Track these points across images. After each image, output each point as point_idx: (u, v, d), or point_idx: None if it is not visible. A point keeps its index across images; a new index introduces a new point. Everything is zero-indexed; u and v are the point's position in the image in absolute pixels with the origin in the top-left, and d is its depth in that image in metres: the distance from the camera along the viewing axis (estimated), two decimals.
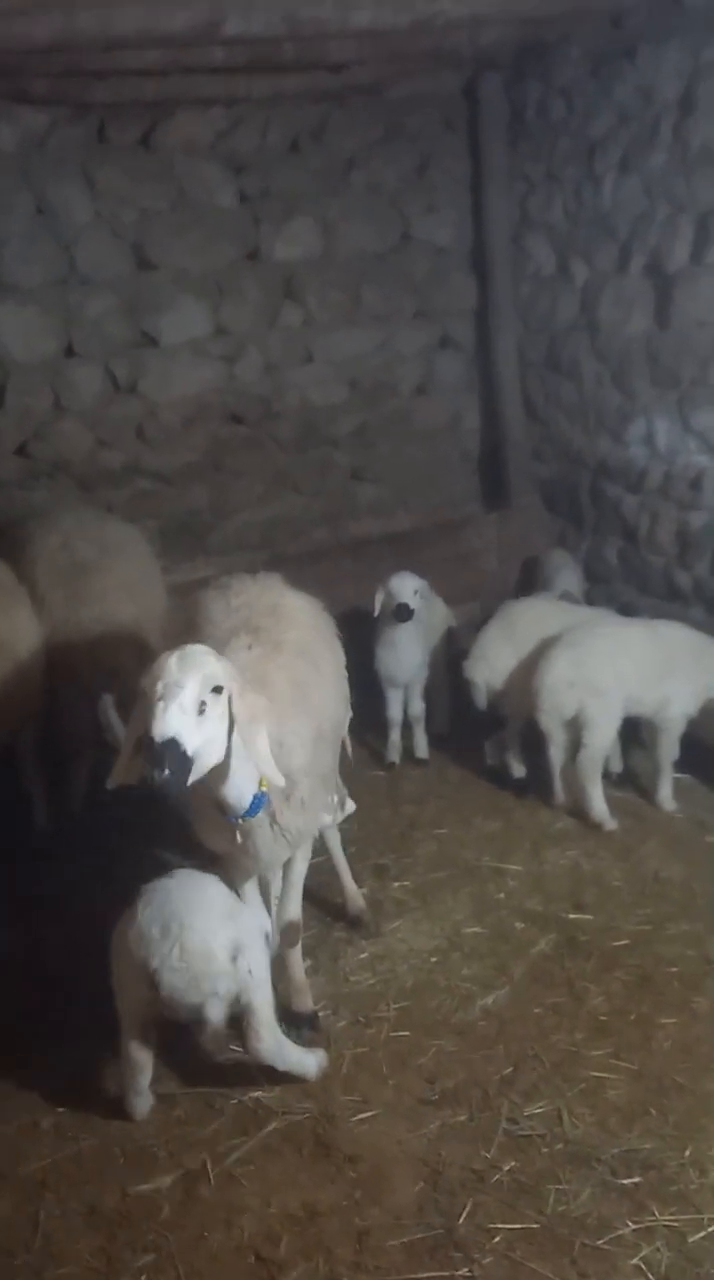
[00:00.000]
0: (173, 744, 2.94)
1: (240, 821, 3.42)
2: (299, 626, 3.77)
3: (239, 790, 3.31)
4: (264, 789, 3.36)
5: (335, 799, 4.23)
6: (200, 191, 6.58)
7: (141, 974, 3.35)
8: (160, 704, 2.99)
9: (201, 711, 3.04)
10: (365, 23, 5.10)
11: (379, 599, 5.79)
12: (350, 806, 4.57)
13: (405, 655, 5.92)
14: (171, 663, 3.07)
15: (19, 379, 6.30)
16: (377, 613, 5.81)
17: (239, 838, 3.50)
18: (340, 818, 4.51)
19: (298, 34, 5.16)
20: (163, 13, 4.70)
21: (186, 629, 3.81)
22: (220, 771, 3.21)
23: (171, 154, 6.47)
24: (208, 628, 3.70)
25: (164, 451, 6.80)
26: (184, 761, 2.97)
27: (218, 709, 3.09)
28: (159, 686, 3.02)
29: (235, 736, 3.18)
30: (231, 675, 3.16)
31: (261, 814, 3.45)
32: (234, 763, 3.22)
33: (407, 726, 6.12)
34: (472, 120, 7.17)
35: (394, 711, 6.06)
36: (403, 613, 5.70)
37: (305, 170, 6.84)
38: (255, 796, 3.35)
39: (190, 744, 2.98)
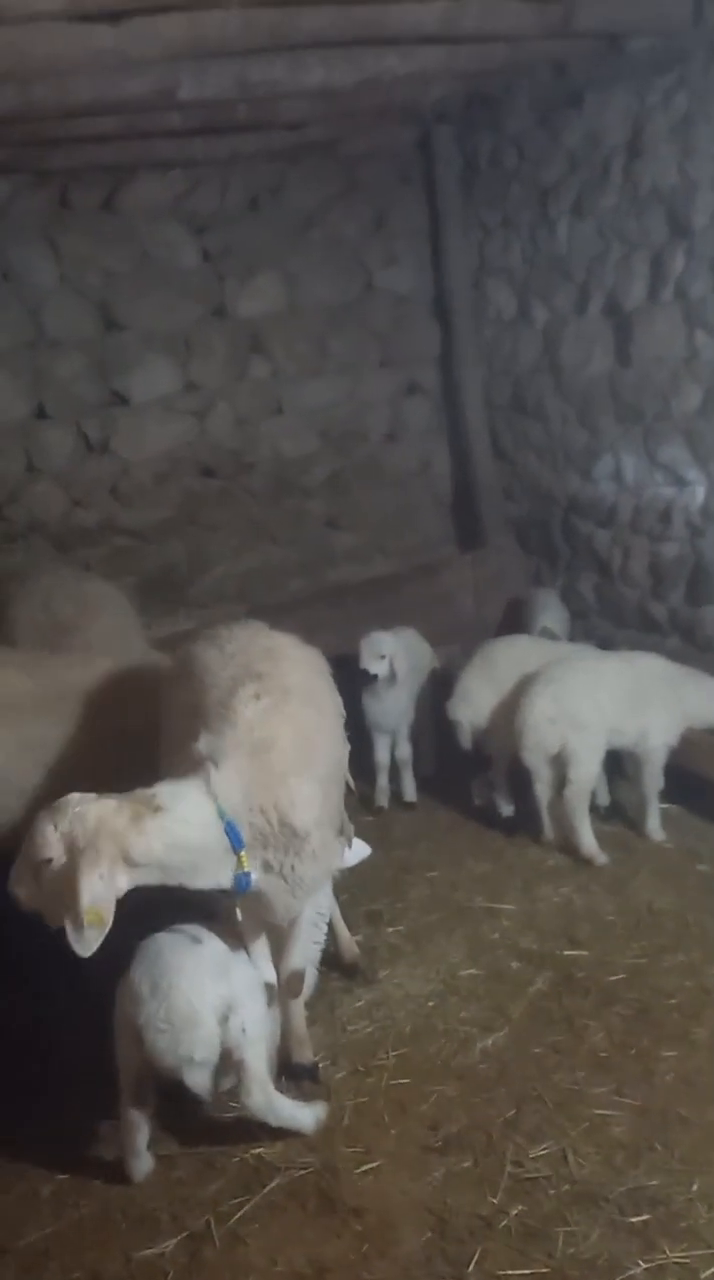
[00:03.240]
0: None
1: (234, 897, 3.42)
2: (299, 667, 3.72)
3: (211, 884, 3.31)
4: (246, 869, 3.33)
5: (342, 841, 4.13)
6: (163, 252, 6.68)
7: (132, 1030, 3.33)
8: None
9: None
10: (316, 82, 5.18)
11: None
12: (362, 850, 4.42)
13: (390, 703, 5.93)
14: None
15: None
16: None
17: (240, 914, 3.49)
18: (353, 860, 4.38)
19: (251, 95, 5.25)
20: (117, 81, 4.76)
21: (184, 683, 3.76)
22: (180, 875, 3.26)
23: (133, 216, 6.57)
24: (207, 678, 3.63)
25: (138, 508, 6.84)
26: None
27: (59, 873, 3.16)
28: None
29: (160, 853, 3.17)
30: (83, 834, 3.10)
31: (266, 876, 3.43)
32: (186, 872, 3.26)
33: (394, 770, 6.13)
34: (427, 172, 7.30)
35: (381, 755, 6.06)
36: (363, 678, 5.73)
37: (266, 227, 6.95)
38: (237, 876, 3.32)
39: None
